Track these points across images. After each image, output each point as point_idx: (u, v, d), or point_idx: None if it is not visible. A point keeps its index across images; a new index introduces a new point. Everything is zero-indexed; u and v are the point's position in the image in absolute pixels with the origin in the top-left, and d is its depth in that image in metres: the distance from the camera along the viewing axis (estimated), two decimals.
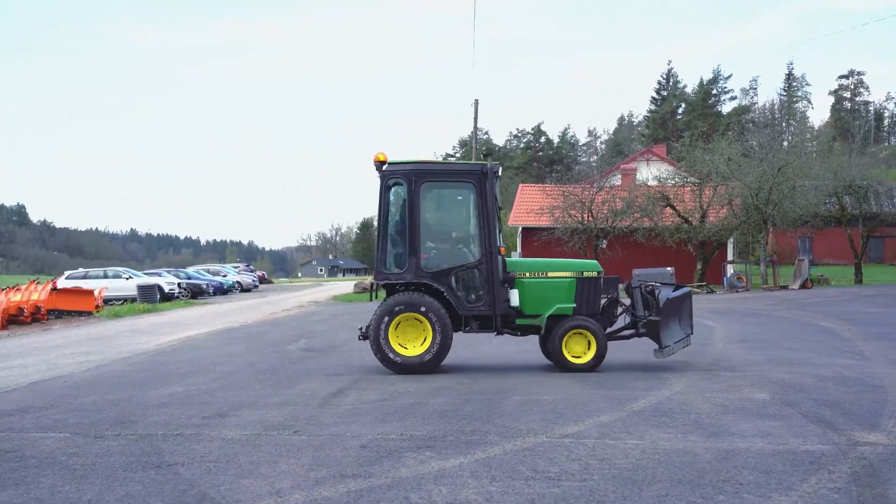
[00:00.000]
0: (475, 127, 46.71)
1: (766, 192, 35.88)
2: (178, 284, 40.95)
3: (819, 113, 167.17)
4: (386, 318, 11.18)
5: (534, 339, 12.74)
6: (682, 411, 8.07)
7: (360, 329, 12.02)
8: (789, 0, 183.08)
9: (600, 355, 11.34)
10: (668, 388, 9.51)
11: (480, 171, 11.53)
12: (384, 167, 11.59)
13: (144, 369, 13.01)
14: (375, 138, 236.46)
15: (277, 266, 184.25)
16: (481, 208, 11.44)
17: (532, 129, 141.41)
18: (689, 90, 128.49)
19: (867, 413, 7.82)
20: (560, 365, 11.39)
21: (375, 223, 11.68)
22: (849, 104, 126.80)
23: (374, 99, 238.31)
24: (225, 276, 53.47)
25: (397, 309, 11.17)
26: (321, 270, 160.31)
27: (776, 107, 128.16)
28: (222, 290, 47.93)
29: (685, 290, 11.96)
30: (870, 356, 12.22)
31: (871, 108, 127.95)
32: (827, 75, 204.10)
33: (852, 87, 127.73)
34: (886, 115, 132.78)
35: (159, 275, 42.73)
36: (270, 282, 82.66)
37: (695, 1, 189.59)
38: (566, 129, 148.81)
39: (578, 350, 11.38)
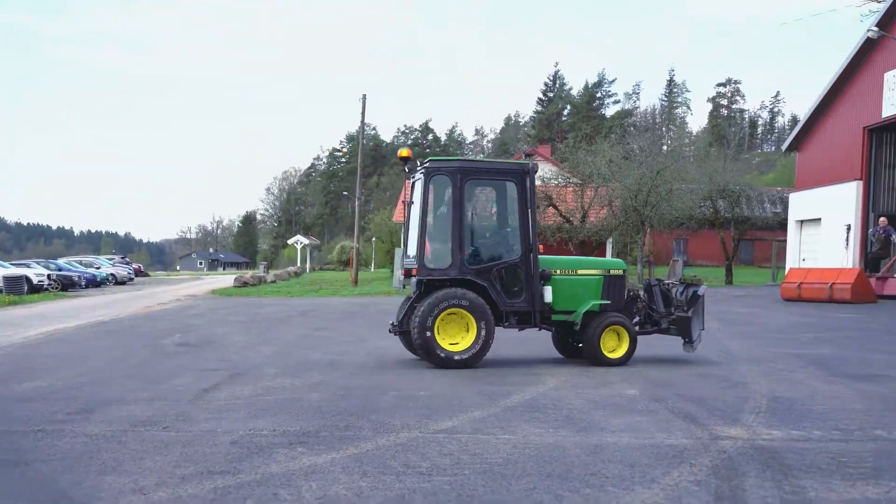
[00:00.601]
0: (362, 122, 46.55)
1: (644, 195, 36.82)
2: (48, 276, 39.38)
3: (698, 119, 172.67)
4: (434, 313, 11.09)
5: None
6: (554, 407, 8.22)
7: (393, 324, 12.11)
8: (674, 8, 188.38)
9: (632, 350, 11.70)
10: (543, 385, 9.67)
11: (522, 170, 11.75)
12: (427, 163, 11.73)
13: (7, 363, 12.51)
14: (259, 130, 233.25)
15: (155, 258, 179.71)
16: (521, 206, 11.66)
17: (420, 126, 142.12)
18: (574, 93, 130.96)
19: (729, 408, 8.11)
20: (595, 360, 11.54)
21: (417, 218, 11.71)
22: (725, 111, 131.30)
23: (257, 91, 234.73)
24: (98, 268, 51.83)
25: (444, 304, 11.11)
26: (201, 264, 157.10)
27: (657, 112, 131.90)
28: (95, 283, 46.41)
29: (703, 288, 12.36)
30: (735, 354, 12.68)
31: (745, 116, 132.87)
32: (706, 83, 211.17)
33: (729, 94, 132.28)
34: (760, 122, 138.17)
35: (27, 265, 41.10)
36: (147, 275, 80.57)
37: (582, 5, 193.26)
38: (454, 127, 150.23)
39: (611, 345, 11.68)
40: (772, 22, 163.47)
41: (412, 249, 11.86)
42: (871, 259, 27.54)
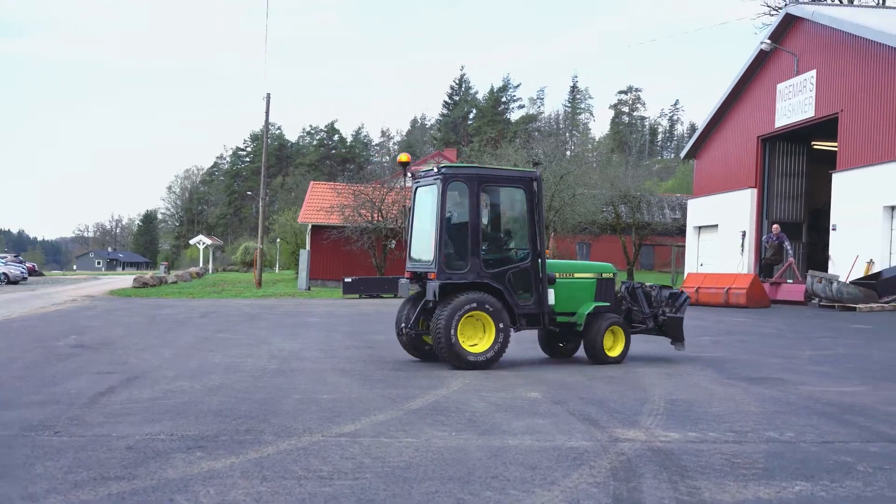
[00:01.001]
0: (266, 122, 45.98)
1: (548, 199, 37.29)
2: None
3: (600, 125, 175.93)
4: (457, 317, 11.20)
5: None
6: (457, 410, 8.24)
7: (403, 327, 12.27)
8: (577, 15, 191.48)
9: (627, 349, 12.42)
10: (447, 388, 9.69)
11: (530, 178, 12.20)
12: (444, 169, 12.00)
13: None
14: (160, 127, 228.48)
15: (51, 257, 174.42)
16: (530, 212, 12.07)
17: (325, 126, 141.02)
18: (480, 97, 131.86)
19: (629, 411, 8.25)
20: (596, 359, 12.13)
21: (431, 223, 12.03)
22: (627, 118, 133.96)
23: (160, 88, 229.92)
24: None
25: (467, 307, 11.26)
26: (99, 263, 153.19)
27: (561, 117, 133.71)
28: None
29: (685, 293, 13.27)
30: (635, 357, 12.90)
31: (646, 124, 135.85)
32: (608, 90, 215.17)
33: (630, 102, 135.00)
34: (660, 130, 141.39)
35: None
36: (42, 274, 78.23)
37: (488, 10, 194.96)
38: (360, 129, 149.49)
39: (608, 344, 12.26)
40: (668, 32, 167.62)
41: (422, 253, 12.23)
42: (765, 265, 28.43)
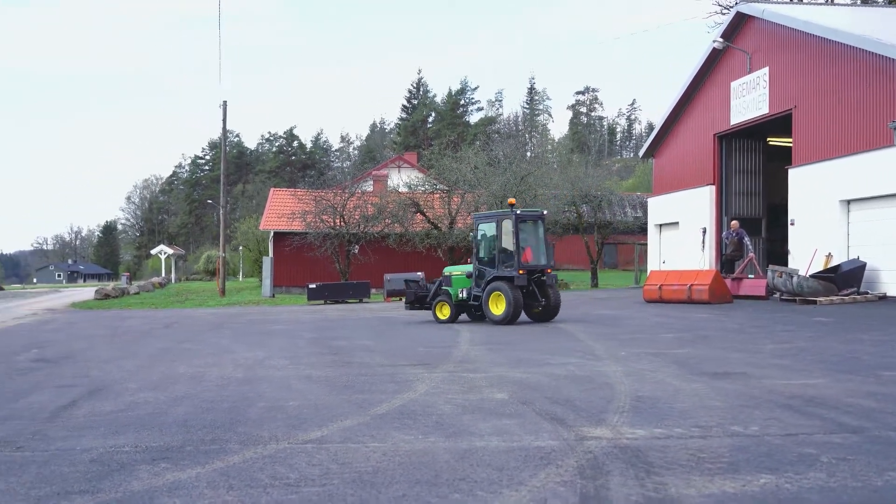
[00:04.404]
0: (224, 129, 45.74)
1: None
2: None
3: (559, 126, 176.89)
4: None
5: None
6: (424, 413, 8.22)
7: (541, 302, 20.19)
8: (531, 17, 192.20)
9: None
10: (413, 391, 9.66)
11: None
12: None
13: None
14: (117, 136, 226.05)
15: (10, 271, 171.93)
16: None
17: (284, 133, 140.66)
18: (438, 100, 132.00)
19: (595, 409, 8.27)
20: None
21: (516, 240, 19.81)
22: (585, 119, 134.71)
23: (117, 97, 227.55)
24: None
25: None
26: (60, 276, 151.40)
27: (520, 119, 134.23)
28: None
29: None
30: (600, 355, 12.96)
31: (604, 123, 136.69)
32: (565, 91, 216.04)
33: (588, 102, 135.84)
34: (618, 129, 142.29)
35: None
36: (1, 288, 77.16)
37: (443, 12, 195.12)
38: (319, 134, 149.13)
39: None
40: (622, 32, 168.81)
41: (539, 258, 20.28)
42: (726, 261, 28.67)
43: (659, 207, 38.54)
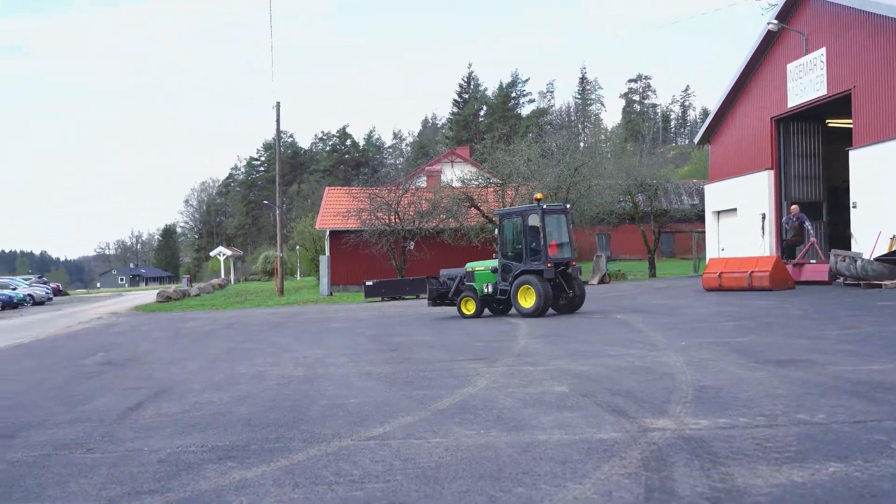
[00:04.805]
0: (278, 130, 46.11)
1: (564, 192, 37.18)
2: None
3: (612, 115, 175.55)
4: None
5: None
6: (485, 407, 8.22)
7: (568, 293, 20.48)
8: (581, 4, 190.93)
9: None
10: (473, 386, 9.67)
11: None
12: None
13: None
14: (175, 141, 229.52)
15: (74, 277, 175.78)
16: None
17: (337, 131, 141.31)
18: (489, 93, 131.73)
19: (657, 400, 8.20)
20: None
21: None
22: (638, 107, 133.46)
23: (170, 102, 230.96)
24: (15, 288, 50.53)
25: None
26: (122, 280, 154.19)
27: (572, 109, 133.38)
28: (12, 304, 45.27)
29: None
30: (660, 346, 12.84)
31: (658, 111, 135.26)
32: (617, 79, 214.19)
33: (640, 90, 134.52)
34: (673, 116, 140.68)
35: None
36: (66, 293, 78.89)
37: (491, 4, 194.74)
38: (372, 132, 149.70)
39: None
40: (674, 17, 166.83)
41: (564, 252, 20.53)
42: (787, 246, 28.21)
43: (716, 194, 38.06)
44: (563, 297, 20.56)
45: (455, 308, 22.07)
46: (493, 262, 21.53)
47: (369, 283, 34.75)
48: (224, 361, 14.08)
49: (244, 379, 11.50)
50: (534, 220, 20.26)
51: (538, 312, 19.60)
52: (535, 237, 20.28)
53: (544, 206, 20.29)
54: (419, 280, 35.38)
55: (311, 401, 9.25)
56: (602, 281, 35.98)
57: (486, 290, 21.35)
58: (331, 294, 40.34)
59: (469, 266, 22.24)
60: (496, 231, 22.52)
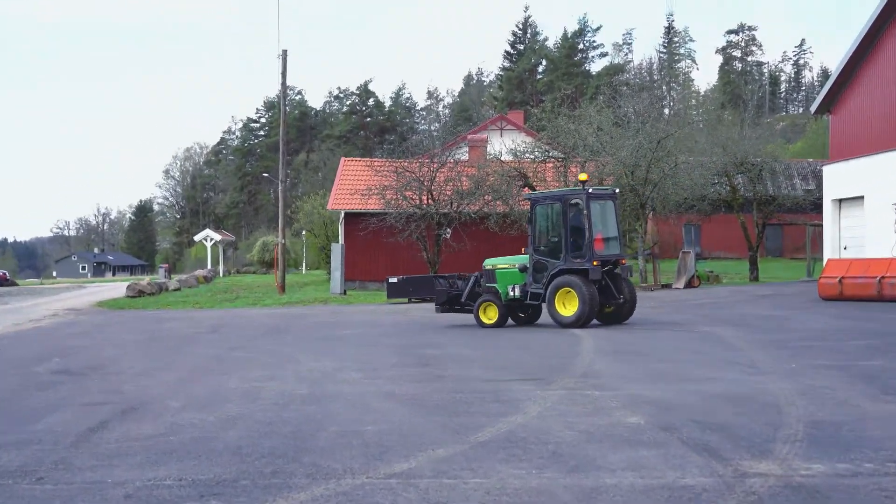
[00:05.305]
0: (283, 85, 46.23)
1: (643, 170, 36.89)
2: None
3: (706, 75, 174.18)
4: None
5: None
6: (538, 441, 8.18)
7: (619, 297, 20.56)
8: None
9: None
10: (523, 413, 9.63)
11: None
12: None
13: None
14: (152, 97, 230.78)
15: (24, 263, 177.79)
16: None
17: (358, 88, 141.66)
18: (550, 44, 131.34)
19: (758, 437, 8.11)
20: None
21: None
22: (739, 65, 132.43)
23: (148, 47, 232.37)
24: None
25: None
26: (84, 269, 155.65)
27: (655, 67, 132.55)
28: None
29: None
30: (764, 369, 12.73)
31: (765, 71, 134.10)
32: (714, 30, 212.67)
33: (743, 44, 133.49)
34: (783, 79, 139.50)
35: None
36: (15, 283, 79.91)
37: None
38: (400, 90, 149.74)
39: None
40: None
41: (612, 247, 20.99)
42: None
43: (838, 177, 37.64)
44: (610, 303, 20.50)
45: (470, 315, 21.97)
46: (520, 259, 21.42)
47: (393, 279, 34.70)
48: (209, 373, 14.15)
49: (234, 396, 11.53)
50: (578, 208, 20.22)
51: (581, 322, 19.50)
52: (577, 228, 20.23)
53: (590, 190, 20.30)
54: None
55: (318, 426, 9.25)
56: (689, 284, 35.76)
57: (511, 294, 21.17)
58: (344, 293, 40.44)
59: (489, 263, 22.17)
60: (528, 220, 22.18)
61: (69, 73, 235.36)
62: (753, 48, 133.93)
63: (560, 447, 7.91)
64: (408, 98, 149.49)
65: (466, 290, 22.12)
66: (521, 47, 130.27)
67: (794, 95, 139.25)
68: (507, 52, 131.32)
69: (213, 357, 16.72)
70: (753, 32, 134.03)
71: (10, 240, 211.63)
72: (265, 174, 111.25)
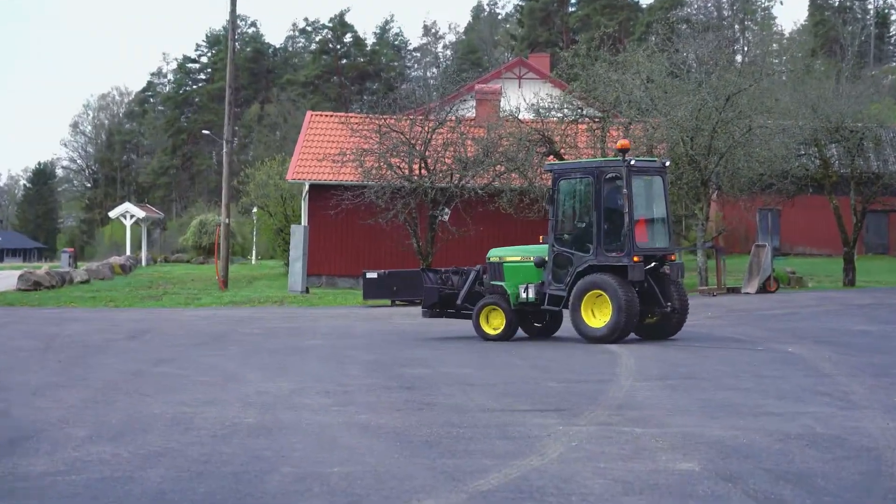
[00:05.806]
0: (233, 14, 46.25)
1: (706, 136, 36.85)
2: None
3: (791, 13, 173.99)
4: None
5: None
6: (558, 492, 8.18)
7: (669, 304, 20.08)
8: None
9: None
10: (539, 455, 9.63)
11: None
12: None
13: None
14: (60, 30, 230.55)
15: None
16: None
17: (331, 20, 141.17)
18: None
19: (849, 493, 8.12)
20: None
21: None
22: (836, 1, 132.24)
23: None
24: None
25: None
26: None
27: (725, 1, 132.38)
28: None
29: None
30: (859, 402, 12.74)
31: (870, 7, 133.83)
32: None
33: None
34: (893, 19, 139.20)
35: None
36: None
37: None
38: (387, 24, 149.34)
39: None
40: None
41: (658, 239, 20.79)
42: None
43: None
44: (654, 311, 20.20)
45: (469, 323, 21.68)
46: (537, 250, 21.01)
47: (371, 274, 34.63)
48: (126, 394, 14.17)
49: (158, 424, 11.55)
50: (615, 185, 19.83)
51: (615, 336, 19.14)
52: (614, 212, 19.77)
53: (632, 162, 19.78)
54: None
55: (268, 466, 9.27)
56: (764, 288, 35.78)
57: (522, 296, 20.65)
58: (306, 290, 40.39)
59: (495, 254, 21.94)
60: (547, 200, 21.75)
61: None
62: None
63: (587, 499, 7.93)
64: (397, 34, 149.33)
65: (464, 288, 21.64)
66: None
67: None
68: None
69: (131, 372, 16.74)
70: None
71: None
72: (205, 131, 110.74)
